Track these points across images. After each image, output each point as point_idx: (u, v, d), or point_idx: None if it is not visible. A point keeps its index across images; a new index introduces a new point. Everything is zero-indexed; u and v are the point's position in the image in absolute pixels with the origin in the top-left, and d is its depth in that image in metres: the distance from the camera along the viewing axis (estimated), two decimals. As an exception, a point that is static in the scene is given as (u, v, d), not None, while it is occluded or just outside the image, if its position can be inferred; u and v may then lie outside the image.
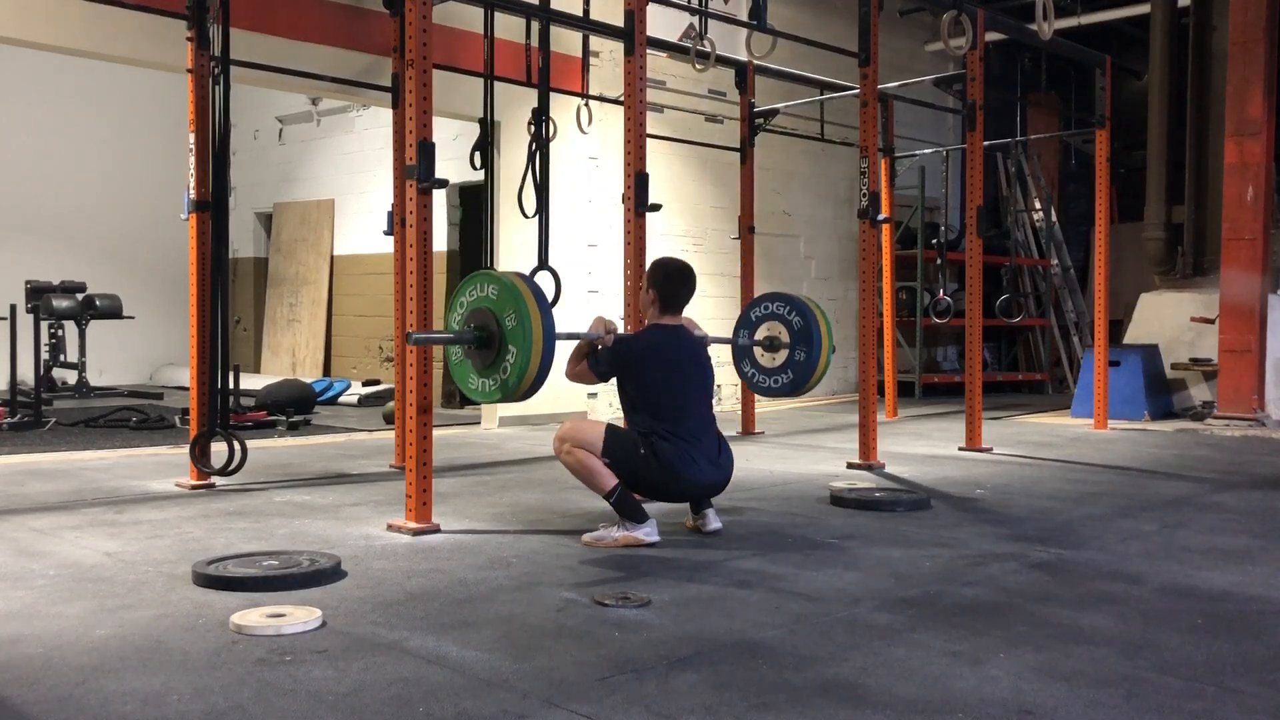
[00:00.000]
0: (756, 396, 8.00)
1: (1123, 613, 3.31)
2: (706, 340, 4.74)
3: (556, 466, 6.49)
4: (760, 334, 5.69)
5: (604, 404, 9.35)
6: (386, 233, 6.46)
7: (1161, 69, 10.72)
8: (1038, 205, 13.53)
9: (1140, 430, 8.82)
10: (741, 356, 5.74)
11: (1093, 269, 10.65)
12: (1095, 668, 2.78)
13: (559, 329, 4.23)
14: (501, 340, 4.15)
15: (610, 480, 4.24)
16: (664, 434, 4.31)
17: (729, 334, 5.70)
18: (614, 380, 4.56)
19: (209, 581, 3.51)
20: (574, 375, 4.56)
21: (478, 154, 5.99)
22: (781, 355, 5.52)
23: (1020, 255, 12.76)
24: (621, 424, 4.58)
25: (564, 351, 4.36)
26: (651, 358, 4.41)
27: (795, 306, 5.48)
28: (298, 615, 3.09)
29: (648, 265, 4.81)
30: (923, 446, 7.66)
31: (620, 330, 4.61)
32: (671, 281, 4.55)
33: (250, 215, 13.26)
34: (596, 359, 4.45)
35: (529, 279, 4.29)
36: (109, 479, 5.82)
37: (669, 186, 9.79)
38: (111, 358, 12.28)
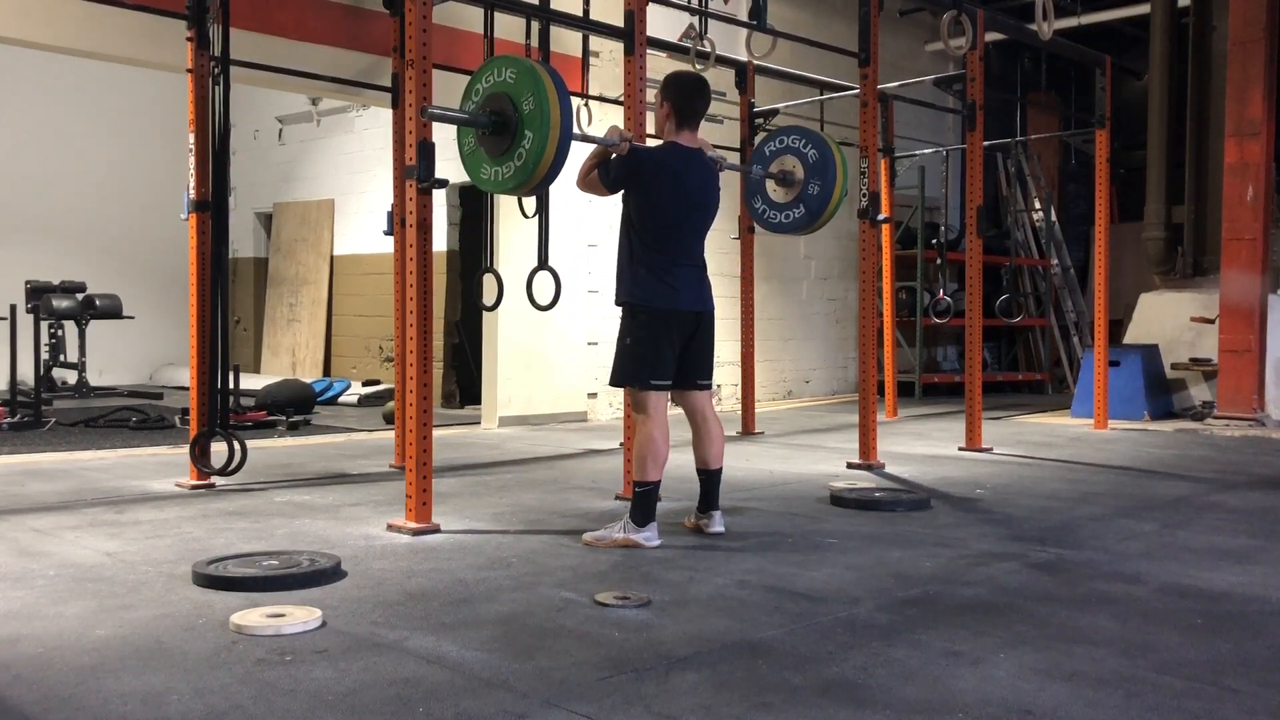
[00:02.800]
0: (757, 397, 8.00)
1: (1123, 613, 3.31)
2: (721, 164, 4.64)
3: (556, 466, 6.52)
4: (773, 168, 5.58)
5: (604, 404, 9.36)
6: (386, 233, 6.46)
7: (1161, 69, 10.72)
8: (1038, 205, 13.53)
9: (1140, 430, 8.82)
10: (753, 192, 5.63)
11: (1093, 269, 10.65)
12: (1095, 668, 2.78)
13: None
14: (518, 125, 4.09)
15: (654, 474, 4.24)
16: (645, 270, 4.27)
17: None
18: (614, 342, 4.51)
19: (209, 581, 3.51)
20: (585, 183, 4.47)
21: (478, 154, 5.99)
22: (795, 190, 5.42)
23: (1020, 255, 12.76)
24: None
25: (576, 159, 4.31)
26: (662, 175, 4.33)
27: (811, 139, 5.38)
28: (298, 615, 3.09)
29: None
30: (923, 446, 7.66)
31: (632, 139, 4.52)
32: (686, 92, 4.45)
33: (250, 215, 13.26)
34: (607, 167, 4.37)
35: (548, 65, 4.22)
36: (109, 479, 5.82)
37: (669, 186, 9.77)
38: (111, 358, 12.28)
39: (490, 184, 4.32)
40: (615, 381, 4.42)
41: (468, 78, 6.83)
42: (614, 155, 4.38)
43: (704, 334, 4.44)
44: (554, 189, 6.01)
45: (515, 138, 4.11)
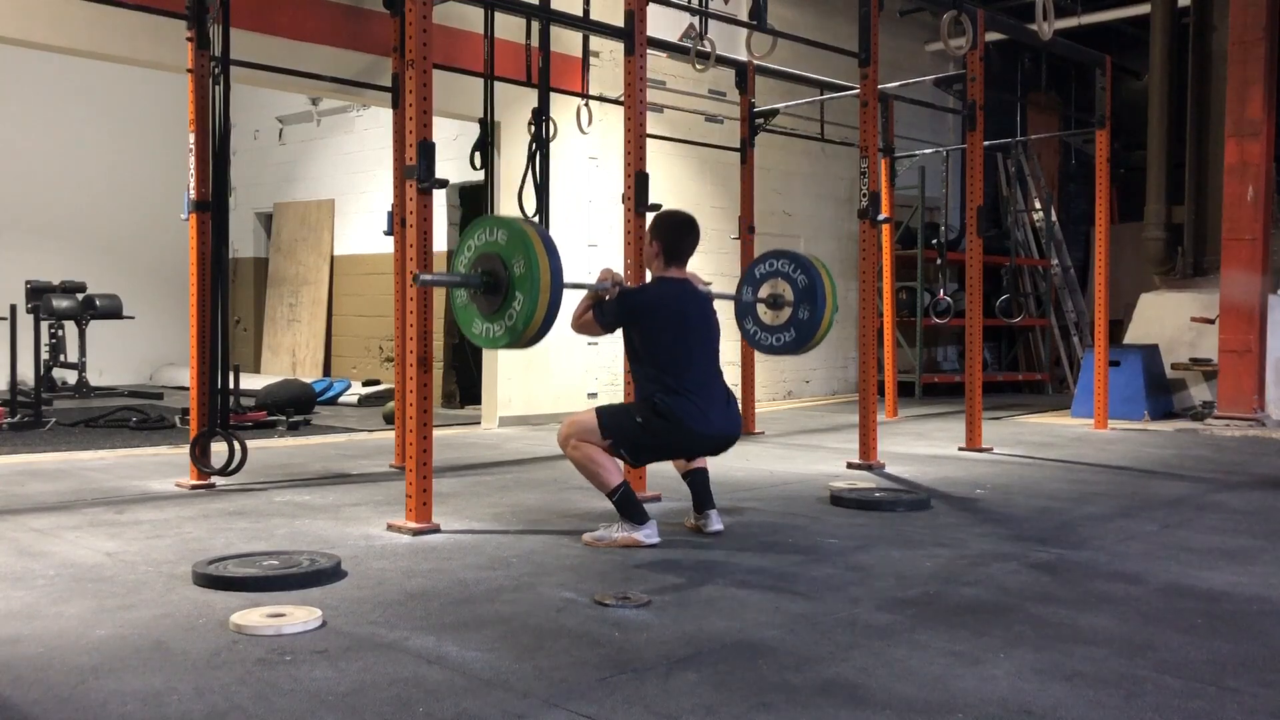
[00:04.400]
0: (757, 397, 8.00)
1: (1123, 613, 3.31)
2: (710, 296, 4.69)
3: (556, 466, 6.51)
4: (764, 292, 5.63)
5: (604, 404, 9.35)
6: (386, 233, 6.46)
7: (1161, 69, 10.72)
8: (1038, 205, 13.53)
9: (1140, 430, 8.82)
10: (744, 314, 5.68)
11: (1093, 269, 10.65)
12: (1095, 668, 2.78)
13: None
14: (509, 286, 4.12)
15: (615, 479, 4.24)
16: (668, 388, 4.26)
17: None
18: (617, 378, 4.55)
19: (209, 581, 3.51)
20: (579, 326, 4.50)
21: (478, 154, 5.99)
22: (785, 313, 5.47)
23: (1020, 255, 12.76)
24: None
25: (570, 301, 4.33)
26: (658, 310, 4.37)
27: (800, 264, 5.43)
28: (298, 615, 3.09)
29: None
30: (923, 446, 7.66)
31: (624, 282, 4.57)
32: (675, 232, 4.51)
33: (250, 215, 13.26)
34: (602, 310, 4.40)
35: (538, 225, 4.27)
36: (109, 479, 5.82)
37: (669, 186, 9.78)
38: (111, 358, 12.28)
39: (484, 340, 4.32)
40: (601, 414, 4.33)
41: (468, 78, 6.92)
42: (606, 297, 4.42)
43: (719, 448, 4.47)
44: (553, 187, 6.03)
45: (506, 299, 4.14)
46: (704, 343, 4.45)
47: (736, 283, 5.87)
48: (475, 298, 4.27)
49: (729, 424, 4.40)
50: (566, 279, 4.21)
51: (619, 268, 5.30)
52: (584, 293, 4.49)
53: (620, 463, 4.33)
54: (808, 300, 5.35)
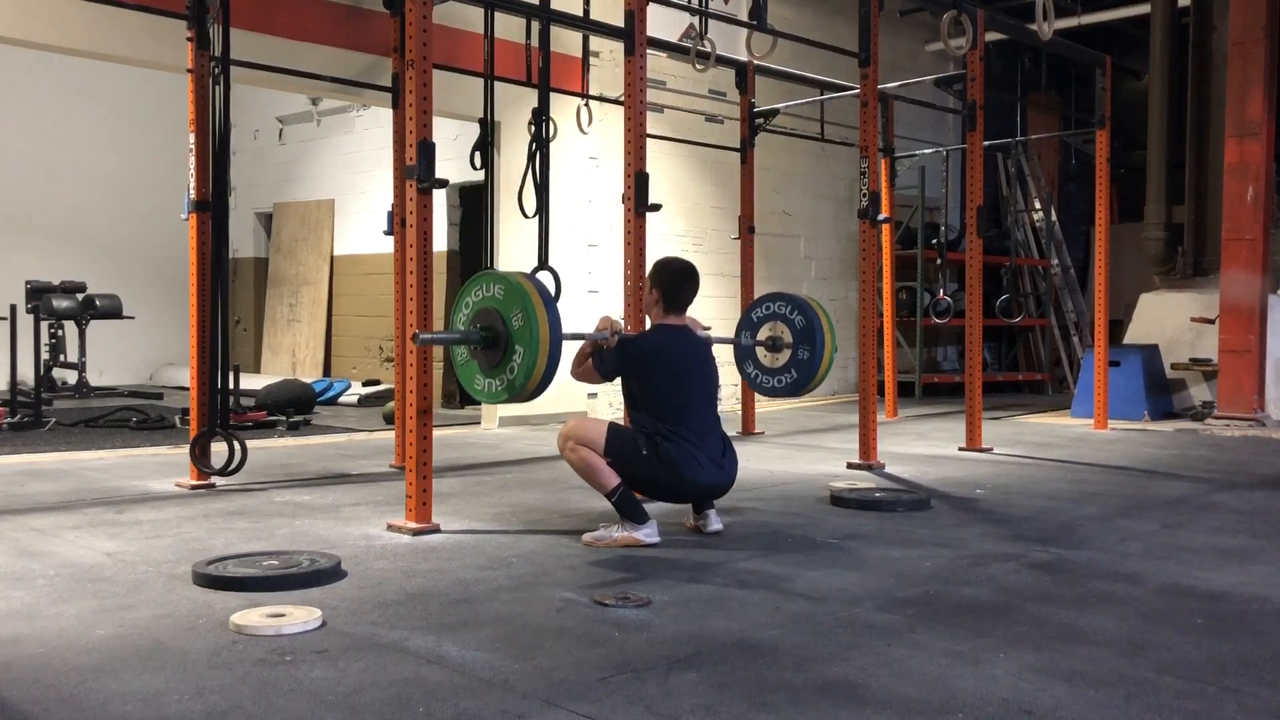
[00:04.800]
0: (757, 397, 8.01)
1: (1123, 613, 3.31)
2: (709, 341, 4.74)
3: (556, 466, 6.51)
4: (762, 334, 5.69)
5: (604, 404, 9.35)
6: (386, 233, 6.46)
7: (1161, 69, 10.72)
8: (1038, 205, 13.53)
9: (1140, 430, 8.82)
10: (744, 357, 5.75)
11: (1093, 269, 10.65)
12: (1095, 668, 2.78)
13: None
14: (508, 341, 4.14)
15: (613, 480, 4.24)
16: (667, 434, 4.30)
17: (729, 333, 5.70)
18: (617, 381, 4.57)
19: (209, 581, 3.51)
20: (579, 375, 4.54)
21: (478, 154, 5.98)
22: (784, 355, 5.52)
23: (1020, 255, 12.76)
24: (623, 423, 4.58)
25: (569, 351, 4.36)
26: (656, 358, 4.40)
27: (797, 306, 5.48)
28: (298, 615, 3.09)
29: (648, 266, 4.81)
30: (923, 446, 7.66)
31: (624, 330, 4.61)
32: (675, 281, 4.55)
33: (250, 215, 13.26)
34: (601, 359, 4.44)
35: (535, 279, 4.30)
36: (109, 479, 5.82)
37: (669, 186, 9.79)
38: (111, 358, 12.28)
39: (485, 395, 4.32)
40: (610, 431, 4.32)
41: (468, 78, 6.92)
42: (605, 346, 4.43)
43: (710, 496, 4.50)
44: (553, 187, 6.02)
45: (506, 353, 4.15)
46: (703, 390, 4.48)
47: (736, 320, 5.91)
48: (475, 354, 4.29)
49: (722, 475, 4.45)
50: (566, 325, 4.24)
51: (618, 270, 5.31)
52: (582, 345, 4.50)
53: (608, 470, 4.31)
54: (806, 341, 5.41)
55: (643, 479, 4.32)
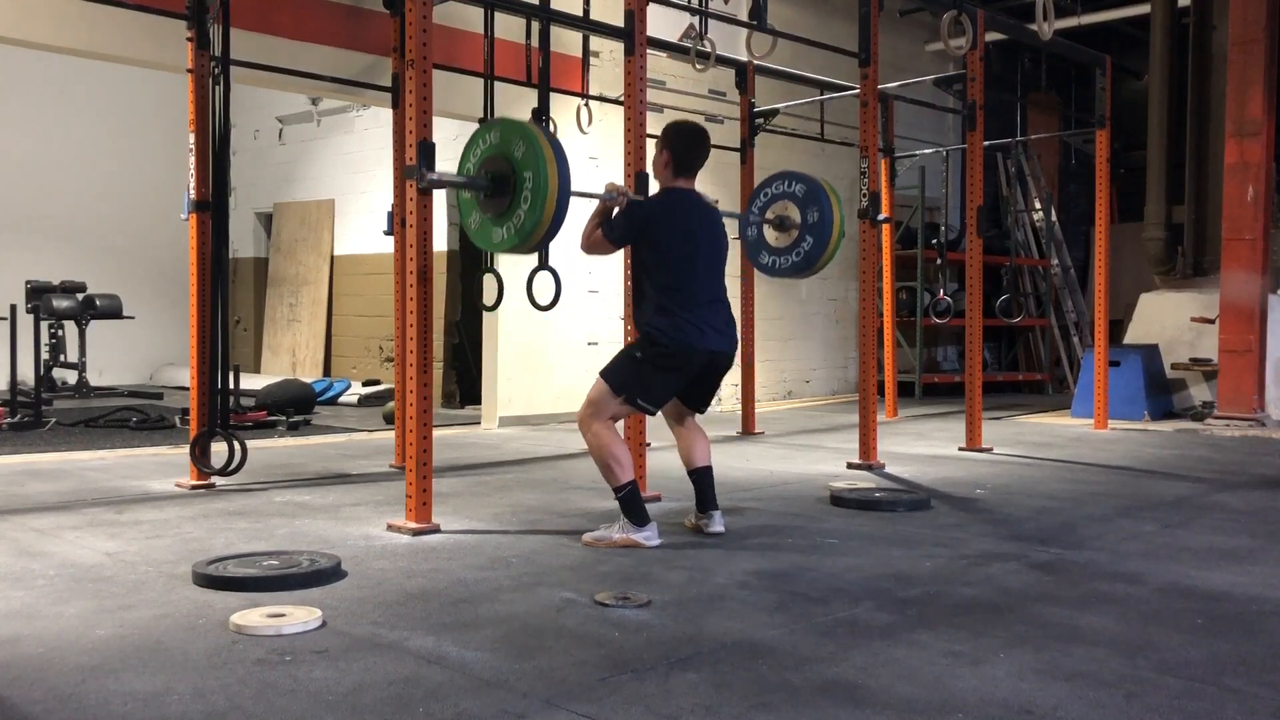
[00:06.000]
0: (757, 396, 8.00)
1: (1123, 613, 3.31)
2: (718, 212, 4.66)
3: (556, 466, 6.51)
4: (770, 215, 5.66)
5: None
6: (386, 233, 6.46)
7: (1161, 69, 10.71)
8: (1038, 205, 13.53)
9: (1140, 430, 8.82)
10: (756, 250, 5.72)
11: (1093, 269, 10.65)
12: (1095, 668, 2.78)
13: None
14: (516, 183, 4.14)
15: (625, 476, 4.21)
16: (671, 308, 4.24)
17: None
18: (614, 343, 4.53)
19: (209, 581, 3.51)
20: (589, 244, 4.45)
21: (478, 154, 5.99)
22: (792, 234, 5.49)
23: (1020, 255, 12.76)
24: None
25: (579, 217, 4.32)
26: (666, 221, 4.32)
27: (803, 181, 5.45)
28: (298, 615, 3.09)
29: None
30: (923, 446, 7.66)
31: (630, 195, 4.53)
32: (687, 142, 4.46)
33: (250, 215, 13.26)
34: (610, 224, 4.37)
35: (543, 125, 4.30)
36: (109, 479, 5.82)
37: (669, 186, 9.77)
38: (111, 358, 12.28)
39: (506, 242, 4.35)
40: (606, 376, 4.32)
41: (468, 78, 6.92)
42: (615, 211, 4.40)
43: (717, 372, 4.45)
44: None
45: (517, 186, 4.17)
46: (711, 260, 4.40)
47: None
48: (486, 206, 4.31)
49: (725, 342, 4.37)
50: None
51: (619, 270, 5.30)
52: (591, 214, 4.46)
53: (631, 461, 4.29)
54: (814, 204, 5.39)
55: (653, 381, 4.24)
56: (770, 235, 5.67)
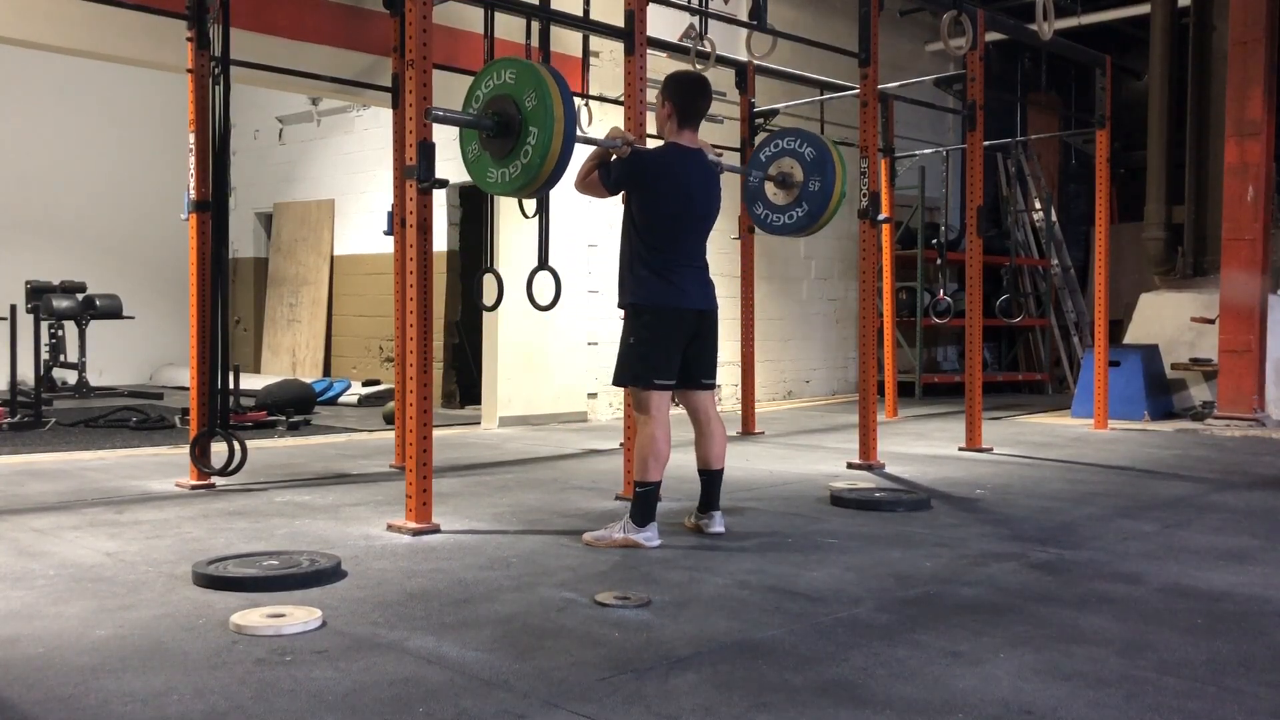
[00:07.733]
0: (757, 396, 8.00)
1: (1123, 613, 3.31)
2: (720, 167, 4.65)
3: (556, 466, 6.52)
4: (772, 171, 5.64)
5: (604, 404, 9.36)
6: (386, 233, 6.47)
7: (1161, 69, 10.71)
8: (1038, 205, 13.53)
9: (1140, 430, 8.82)
10: (753, 198, 5.70)
11: (1093, 269, 10.65)
12: (1095, 668, 2.78)
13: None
14: (522, 123, 4.13)
15: (654, 475, 4.24)
16: (652, 266, 4.26)
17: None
18: (614, 342, 4.54)
19: (209, 581, 3.51)
20: (583, 185, 4.45)
21: (478, 154, 5.99)
22: (795, 191, 5.48)
23: (1020, 255, 12.76)
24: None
25: (575, 161, 4.33)
26: (664, 176, 4.32)
27: (807, 139, 5.44)
28: (298, 615, 3.09)
29: None
30: (923, 446, 7.66)
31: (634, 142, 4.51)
32: (690, 92, 4.44)
33: (250, 215, 13.26)
34: (607, 169, 4.36)
35: (549, 65, 4.28)
36: (109, 479, 5.82)
37: (669, 186, 9.77)
38: (111, 358, 12.28)
39: (498, 186, 4.35)
40: (618, 381, 4.43)
41: (468, 78, 6.89)
42: (615, 157, 4.38)
43: (708, 333, 4.45)
44: (552, 190, 6.02)
45: (520, 136, 4.15)
46: (699, 222, 4.41)
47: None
48: (487, 143, 4.30)
49: (706, 301, 4.40)
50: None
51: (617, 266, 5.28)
52: (589, 154, 4.44)
53: (666, 463, 4.29)
54: (817, 172, 5.40)
55: (653, 354, 4.27)
56: (769, 190, 5.64)
